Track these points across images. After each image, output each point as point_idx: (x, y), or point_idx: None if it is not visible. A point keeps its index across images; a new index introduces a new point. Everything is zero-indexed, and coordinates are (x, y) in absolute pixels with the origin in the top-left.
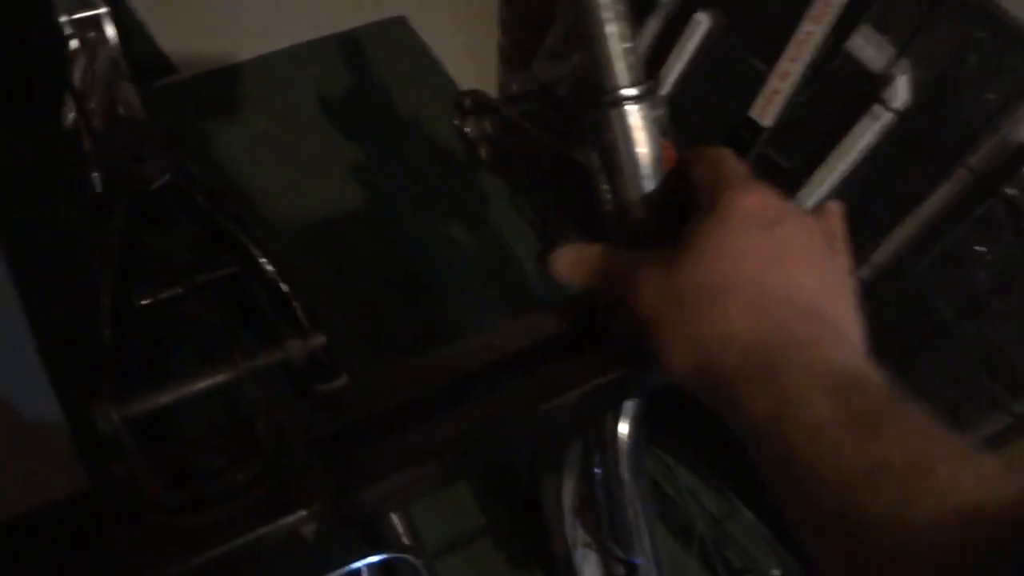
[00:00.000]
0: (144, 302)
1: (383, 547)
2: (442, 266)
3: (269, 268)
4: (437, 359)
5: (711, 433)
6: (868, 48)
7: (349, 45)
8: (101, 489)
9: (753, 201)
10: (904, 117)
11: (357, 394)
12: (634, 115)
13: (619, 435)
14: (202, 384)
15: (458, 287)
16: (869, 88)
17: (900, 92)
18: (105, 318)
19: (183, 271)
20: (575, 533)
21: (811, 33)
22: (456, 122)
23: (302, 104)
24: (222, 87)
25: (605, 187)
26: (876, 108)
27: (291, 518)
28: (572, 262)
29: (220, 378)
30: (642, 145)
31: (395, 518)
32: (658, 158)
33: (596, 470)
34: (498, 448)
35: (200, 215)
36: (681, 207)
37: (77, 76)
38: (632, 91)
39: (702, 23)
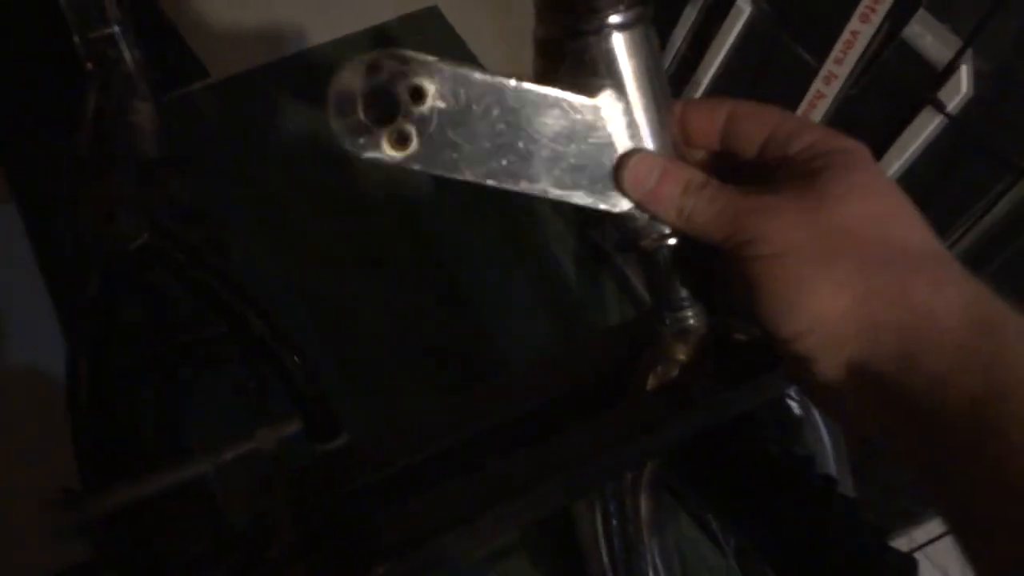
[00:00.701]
0: (127, 362)
1: None
2: (479, 268)
3: (258, 326)
4: (449, 410)
5: (734, 488)
6: (927, 36)
7: (383, 38)
8: None
9: (868, 153)
10: (965, 113)
11: (359, 456)
12: (620, 44)
13: (639, 488)
14: (164, 482)
15: (495, 290)
16: (927, 80)
17: (961, 85)
18: (82, 395)
19: (168, 330)
20: (610, 561)
21: (858, 33)
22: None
23: None
24: (255, 89)
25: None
26: (935, 103)
27: None
28: (669, 179)
29: (185, 475)
30: (635, 77)
31: None
32: (663, 94)
33: (613, 521)
34: (521, 517)
35: (182, 275)
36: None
37: (91, 101)
38: (619, 17)
39: (744, 11)
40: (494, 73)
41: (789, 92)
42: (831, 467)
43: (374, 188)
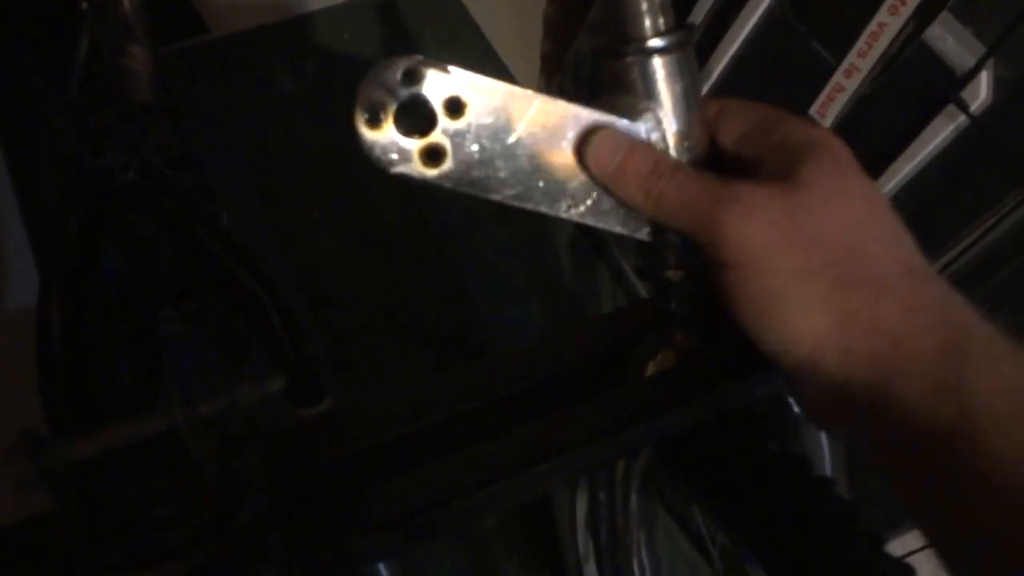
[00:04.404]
0: (104, 309)
1: None
2: (475, 250)
3: (245, 279)
4: (439, 386)
5: (729, 485)
6: (948, 39)
7: (387, 8)
8: (24, 535)
9: (848, 150)
10: (982, 120)
11: (343, 423)
12: (662, 68)
13: (631, 477)
14: (135, 432)
15: (490, 274)
16: (945, 84)
17: (981, 90)
18: (53, 339)
19: (148, 279)
20: (587, 548)
21: (885, 25)
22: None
23: (335, 68)
24: (254, 48)
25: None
26: (951, 108)
27: None
28: (636, 157)
29: (157, 426)
30: (675, 102)
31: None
32: (695, 119)
33: (601, 511)
34: (511, 498)
35: (169, 220)
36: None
37: (84, 41)
38: (660, 41)
39: (763, 1)
40: (535, 90)
41: (804, 86)
42: (828, 468)
43: (371, 163)
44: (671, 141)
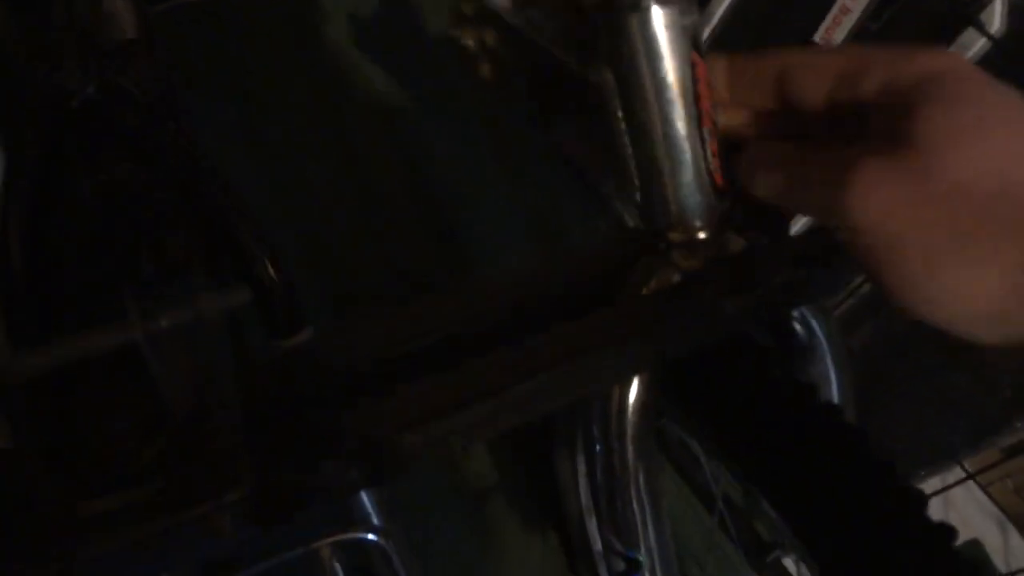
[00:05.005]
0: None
1: (345, 525)
2: (475, 205)
3: (218, 197)
4: (426, 310)
5: (732, 415)
6: None
7: None
8: None
9: (966, 64)
10: (1000, 45)
11: (323, 351)
12: (659, 21)
13: (626, 409)
14: (89, 347)
15: (491, 229)
16: (958, 10)
17: (995, 18)
18: (12, 265)
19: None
20: (589, 500)
21: None
22: (455, 32)
23: (327, 26)
24: (243, 8)
25: (620, 114)
26: (966, 38)
27: (197, 510)
28: (766, 166)
29: (113, 340)
30: (668, 59)
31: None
32: (688, 76)
33: (596, 446)
34: (503, 417)
35: (134, 139)
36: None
37: None
38: None
39: None
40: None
41: (809, 16)
42: (836, 398)
43: (367, 119)
44: (677, 100)
